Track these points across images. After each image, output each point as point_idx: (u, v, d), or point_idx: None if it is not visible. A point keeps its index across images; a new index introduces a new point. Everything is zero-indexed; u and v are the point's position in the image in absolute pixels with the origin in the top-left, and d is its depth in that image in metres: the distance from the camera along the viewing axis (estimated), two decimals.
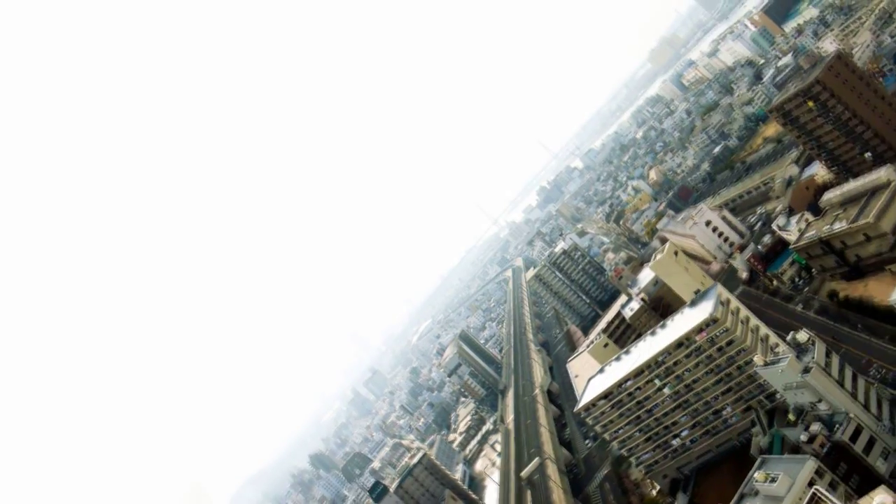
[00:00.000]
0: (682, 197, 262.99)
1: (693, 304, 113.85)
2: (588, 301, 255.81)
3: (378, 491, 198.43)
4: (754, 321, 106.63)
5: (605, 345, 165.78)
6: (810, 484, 70.85)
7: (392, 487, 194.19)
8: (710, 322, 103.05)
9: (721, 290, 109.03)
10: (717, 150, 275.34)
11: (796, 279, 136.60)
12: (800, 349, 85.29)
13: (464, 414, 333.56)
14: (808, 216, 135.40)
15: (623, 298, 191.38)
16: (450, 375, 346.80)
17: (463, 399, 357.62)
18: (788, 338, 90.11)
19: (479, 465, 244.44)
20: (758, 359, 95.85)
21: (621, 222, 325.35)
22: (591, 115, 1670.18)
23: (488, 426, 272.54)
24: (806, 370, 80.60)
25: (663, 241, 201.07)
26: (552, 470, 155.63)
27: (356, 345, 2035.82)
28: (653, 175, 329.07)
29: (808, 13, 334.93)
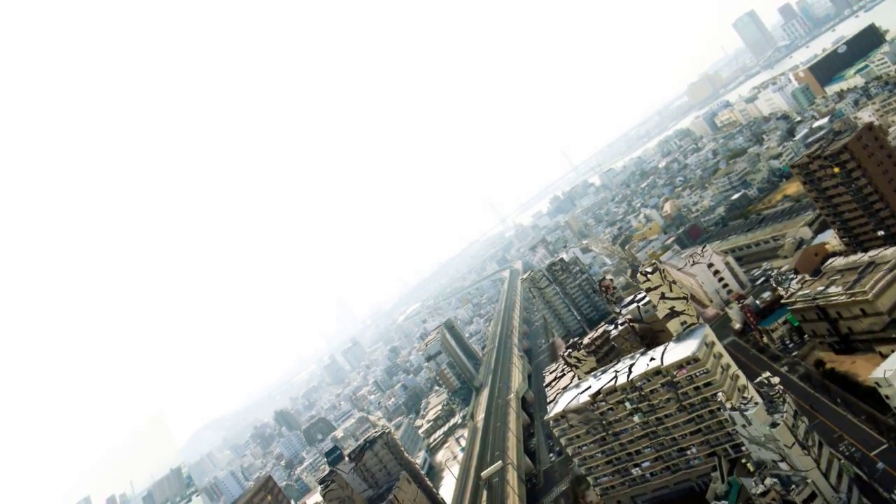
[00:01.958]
0: (691, 235, 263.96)
1: (678, 339, 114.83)
2: (579, 318, 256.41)
3: (335, 456, 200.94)
4: (734, 369, 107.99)
5: (584, 359, 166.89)
6: None
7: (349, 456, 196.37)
8: (692, 360, 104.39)
9: (708, 332, 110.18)
10: (735, 196, 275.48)
11: (787, 340, 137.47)
12: (771, 404, 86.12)
13: (435, 402, 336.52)
14: (808, 279, 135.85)
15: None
16: (428, 360, 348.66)
17: (437, 388, 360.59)
18: (760, 378, 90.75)
19: (440, 456, 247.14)
20: (722, 395, 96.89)
21: (627, 247, 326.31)
22: (618, 135, 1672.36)
23: (457, 420, 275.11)
24: (774, 424, 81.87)
25: None
26: (512, 476, 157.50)
27: (341, 312, 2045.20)
28: (667, 207, 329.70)
29: (853, 81, 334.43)
